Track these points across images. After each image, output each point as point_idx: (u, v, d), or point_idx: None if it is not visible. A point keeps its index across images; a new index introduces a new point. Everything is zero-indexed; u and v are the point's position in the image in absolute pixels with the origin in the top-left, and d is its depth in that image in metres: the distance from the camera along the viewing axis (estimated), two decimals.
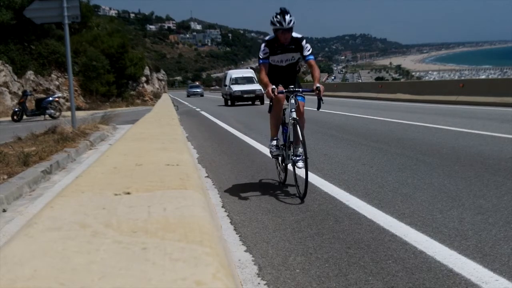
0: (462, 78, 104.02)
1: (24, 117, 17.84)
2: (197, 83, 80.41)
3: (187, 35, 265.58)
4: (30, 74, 24.28)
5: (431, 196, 4.03)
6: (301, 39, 4.48)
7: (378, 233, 3.13)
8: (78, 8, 10.36)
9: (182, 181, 2.49)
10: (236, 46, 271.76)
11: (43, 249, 1.43)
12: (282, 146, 4.67)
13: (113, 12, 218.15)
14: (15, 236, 1.63)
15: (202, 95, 52.53)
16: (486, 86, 16.42)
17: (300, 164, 4.28)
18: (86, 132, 9.98)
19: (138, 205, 1.98)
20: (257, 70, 25.24)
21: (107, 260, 1.33)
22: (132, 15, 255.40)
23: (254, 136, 9.20)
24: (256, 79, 25.62)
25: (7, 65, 22.75)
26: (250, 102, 23.78)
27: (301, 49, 4.47)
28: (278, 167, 4.94)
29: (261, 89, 22.81)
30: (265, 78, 4.44)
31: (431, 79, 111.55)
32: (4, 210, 4.26)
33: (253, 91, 23.36)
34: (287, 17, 4.30)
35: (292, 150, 4.41)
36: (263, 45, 4.50)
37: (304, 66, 5.05)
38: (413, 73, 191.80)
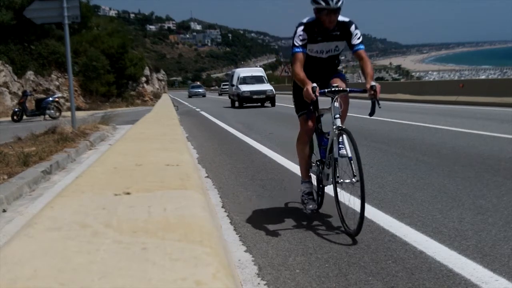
0: (462, 78, 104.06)
1: (24, 117, 17.84)
2: (198, 83, 74.99)
3: (187, 35, 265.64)
4: (30, 74, 24.28)
5: (431, 196, 4.03)
6: (349, 24, 3.44)
7: (378, 233, 3.13)
8: (78, 8, 10.36)
9: (182, 181, 2.49)
10: (236, 46, 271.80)
11: (43, 249, 1.43)
12: (318, 163, 3.65)
13: (113, 12, 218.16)
14: (15, 236, 1.63)
15: (204, 96, 51.13)
16: (486, 86, 16.43)
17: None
18: (86, 132, 9.98)
19: (138, 205, 1.98)
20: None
21: (107, 260, 1.33)
22: (132, 15, 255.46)
23: (254, 136, 9.20)
24: (266, 78, 23.89)
25: (7, 65, 22.75)
26: (259, 104, 21.71)
27: (348, 36, 3.42)
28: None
29: (272, 90, 21.31)
30: (301, 73, 3.31)
31: (431, 79, 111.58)
32: (4, 210, 4.26)
33: (263, 92, 21.12)
34: None
35: (333, 168, 3.26)
36: (299, 28, 3.38)
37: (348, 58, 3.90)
38: (413, 73, 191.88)
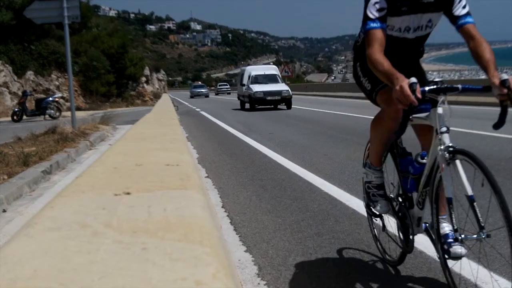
0: (462, 78, 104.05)
1: (24, 117, 17.84)
2: (200, 83, 70.36)
3: (187, 35, 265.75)
4: (30, 74, 24.29)
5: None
6: None
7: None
8: (78, 8, 10.36)
9: (182, 181, 2.49)
10: (236, 46, 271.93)
11: (43, 249, 1.43)
12: (398, 199, 2.55)
13: (113, 12, 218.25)
14: (15, 236, 1.63)
15: (207, 96, 48.48)
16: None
17: (459, 249, 2.09)
18: (86, 132, 9.99)
19: (138, 205, 1.98)
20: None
21: (107, 260, 1.33)
22: (132, 15, 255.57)
23: (254, 136, 9.20)
24: (280, 76, 21.39)
25: (7, 65, 22.76)
26: (271, 106, 19.12)
27: (448, 3, 2.28)
28: (380, 237, 2.79)
29: (288, 90, 18.60)
30: (385, 62, 2.16)
31: (431, 79, 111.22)
32: (4, 210, 4.27)
33: (278, 93, 18.51)
34: None
35: (448, 214, 2.12)
36: None
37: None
38: None
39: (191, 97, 47.07)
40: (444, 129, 2.13)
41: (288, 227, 3.40)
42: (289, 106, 18.59)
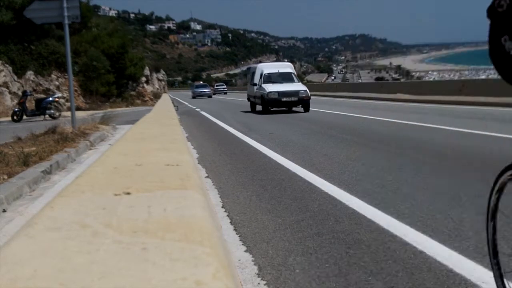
0: (462, 78, 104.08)
1: (24, 117, 17.84)
2: (201, 82, 66.98)
3: (187, 35, 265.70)
4: (30, 74, 24.28)
5: (431, 196, 4.03)
6: None
7: (378, 233, 3.13)
8: (78, 8, 10.36)
9: (182, 181, 2.49)
10: (236, 46, 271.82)
11: (43, 249, 1.43)
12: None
13: (113, 12, 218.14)
14: (15, 236, 1.63)
15: (210, 96, 45.64)
16: (486, 86, 16.44)
17: None
18: (86, 132, 9.98)
19: (138, 205, 1.98)
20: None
21: (107, 260, 1.33)
22: (132, 15, 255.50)
23: (254, 136, 9.20)
24: (296, 74, 18.64)
25: (7, 65, 22.75)
26: (285, 108, 16.86)
27: None
28: None
29: (306, 91, 16.27)
30: None
31: (431, 79, 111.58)
32: (4, 210, 4.26)
33: (295, 93, 16.14)
34: None
35: None
36: None
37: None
38: (413, 73, 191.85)
39: (193, 97, 44.52)
40: None
41: (288, 227, 3.40)
42: (306, 109, 16.26)
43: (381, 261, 2.66)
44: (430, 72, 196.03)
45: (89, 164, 5.42)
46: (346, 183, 4.71)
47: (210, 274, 1.23)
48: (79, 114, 14.89)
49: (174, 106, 17.41)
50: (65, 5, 10.08)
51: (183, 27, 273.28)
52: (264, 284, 2.44)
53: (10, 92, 22.55)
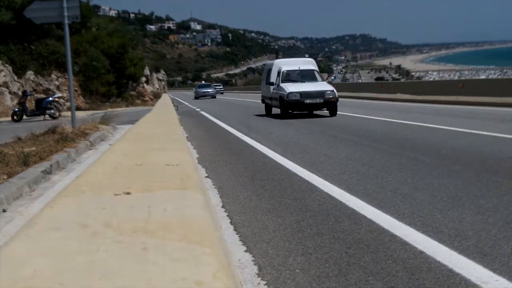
0: (462, 78, 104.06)
1: (24, 117, 17.84)
2: (203, 82, 64.54)
3: (187, 35, 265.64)
4: (30, 74, 24.29)
5: (431, 196, 4.03)
6: None
7: (378, 233, 3.13)
8: (78, 8, 10.37)
9: (182, 181, 2.49)
10: (236, 46, 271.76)
11: (43, 249, 1.43)
12: None
13: (113, 12, 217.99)
14: (15, 236, 1.63)
15: (214, 97, 42.98)
16: (486, 86, 16.45)
17: None
18: (86, 132, 9.98)
19: (138, 205, 1.98)
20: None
21: (107, 260, 1.33)
22: (132, 15, 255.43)
23: (254, 136, 9.20)
24: (319, 72, 15.72)
25: (7, 65, 22.76)
26: (306, 112, 14.47)
27: None
28: None
29: (333, 91, 13.68)
30: None
31: (431, 79, 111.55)
32: (4, 210, 4.26)
33: (320, 94, 13.52)
34: None
35: None
36: None
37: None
38: (413, 73, 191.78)
39: (196, 98, 41.87)
40: None
41: (288, 227, 3.40)
42: (333, 112, 13.63)
43: (381, 261, 2.66)
44: (430, 72, 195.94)
45: (89, 164, 5.42)
46: (346, 183, 4.71)
47: (210, 274, 1.23)
48: (79, 114, 14.90)
49: (174, 106, 17.40)
50: (65, 5, 10.09)
51: (183, 27, 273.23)
52: (264, 284, 2.44)
53: (10, 92, 22.55)
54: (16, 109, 18.02)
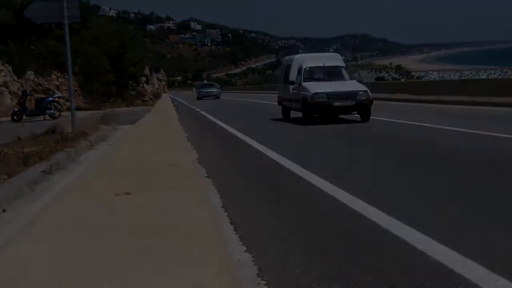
0: (462, 78, 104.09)
1: (24, 117, 17.83)
2: (205, 81, 58.72)
3: (187, 35, 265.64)
4: (30, 74, 24.28)
5: (431, 196, 4.03)
6: None
7: (378, 233, 3.13)
8: (78, 8, 10.36)
9: (182, 181, 2.49)
10: (236, 46, 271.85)
11: (43, 249, 1.44)
12: None
13: (113, 12, 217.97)
14: (15, 236, 1.63)
15: (218, 97, 39.40)
16: (486, 86, 16.45)
17: None
18: (86, 132, 9.97)
19: (138, 205, 1.98)
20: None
21: (107, 260, 1.33)
22: (132, 15, 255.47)
23: (254, 137, 9.19)
24: (346, 69, 13.39)
25: (7, 65, 22.76)
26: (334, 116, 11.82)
27: None
28: None
29: (366, 92, 11.38)
30: None
31: (431, 79, 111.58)
32: (4, 210, 4.26)
33: (351, 95, 11.12)
34: None
35: None
36: None
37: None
38: (413, 73, 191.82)
39: (199, 98, 38.50)
40: None
41: (288, 227, 3.40)
42: (366, 117, 11.13)
43: (381, 261, 2.66)
44: (430, 72, 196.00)
45: (89, 164, 5.42)
46: (346, 183, 4.71)
47: (210, 274, 1.23)
48: (79, 114, 14.88)
49: (174, 106, 17.39)
50: (65, 5, 10.07)
51: (183, 27, 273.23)
52: (264, 284, 2.43)
53: (10, 92, 22.54)
54: (16, 109, 18.01)
